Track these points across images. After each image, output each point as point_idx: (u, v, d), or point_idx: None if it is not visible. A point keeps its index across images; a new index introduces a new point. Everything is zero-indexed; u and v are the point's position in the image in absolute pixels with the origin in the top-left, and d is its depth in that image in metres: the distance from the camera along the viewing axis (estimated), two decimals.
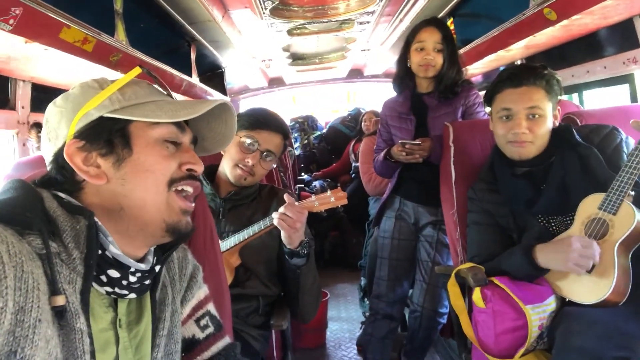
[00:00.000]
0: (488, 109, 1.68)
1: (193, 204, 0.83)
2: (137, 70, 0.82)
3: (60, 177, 0.77)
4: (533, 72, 1.53)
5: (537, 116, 1.50)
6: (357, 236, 4.28)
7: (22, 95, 1.96)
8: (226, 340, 0.99)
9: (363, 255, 3.53)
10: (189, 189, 0.81)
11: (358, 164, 3.62)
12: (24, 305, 0.59)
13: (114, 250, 0.74)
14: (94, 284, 0.73)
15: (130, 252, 0.78)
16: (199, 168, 0.83)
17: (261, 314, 1.64)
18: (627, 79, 2.19)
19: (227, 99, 4.57)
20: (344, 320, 3.51)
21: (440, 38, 2.02)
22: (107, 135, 0.76)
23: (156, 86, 0.86)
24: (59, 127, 0.77)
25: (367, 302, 3.09)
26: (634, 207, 1.33)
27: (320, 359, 2.96)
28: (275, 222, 1.45)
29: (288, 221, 1.43)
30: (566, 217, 1.50)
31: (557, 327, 1.33)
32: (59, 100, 0.81)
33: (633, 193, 1.35)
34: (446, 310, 2.22)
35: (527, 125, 1.50)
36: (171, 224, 0.78)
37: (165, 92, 0.86)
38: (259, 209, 1.68)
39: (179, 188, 0.80)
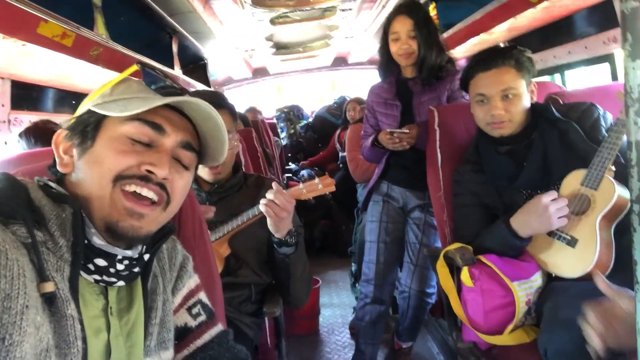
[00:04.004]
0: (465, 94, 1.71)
1: (148, 208, 0.76)
2: (133, 68, 0.83)
3: (53, 162, 0.80)
4: (500, 53, 1.57)
5: (511, 96, 1.53)
6: (346, 223, 4.31)
7: (2, 93, 1.92)
8: (219, 327, 0.99)
9: (353, 242, 3.56)
10: (144, 192, 0.75)
11: (345, 154, 3.62)
12: (10, 293, 0.60)
13: (97, 241, 0.74)
14: (82, 272, 0.73)
15: (115, 242, 0.77)
16: (160, 172, 0.76)
17: (254, 301, 1.65)
18: (607, 58, 2.21)
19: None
20: (337, 306, 3.55)
21: (412, 25, 2.01)
22: (83, 126, 0.78)
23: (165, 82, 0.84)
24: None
25: (358, 287, 3.12)
26: (614, 181, 1.36)
27: (314, 345, 2.98)
28: (261, 208, 1.45)
29: (275, 208, 1.43)
30: (549, 191, 1.53)
31: (544, 302, 1.37)
32: None
33: (614, 168, 1.38)
34: (434, 290, 2.25)
35: (503, 106, 1.53)
36: (109, 222, 0.74)
37: (164, 89, 0.83)
38: (246, 198, 1.68)
39: (129, 189, 0.74)
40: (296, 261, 1.58)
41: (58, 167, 0.79)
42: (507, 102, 1.53)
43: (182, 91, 0.84)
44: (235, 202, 1.67)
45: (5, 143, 1.95)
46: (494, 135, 1.59)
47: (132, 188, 0.75)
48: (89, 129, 0.78)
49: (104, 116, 0.77)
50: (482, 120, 1.60)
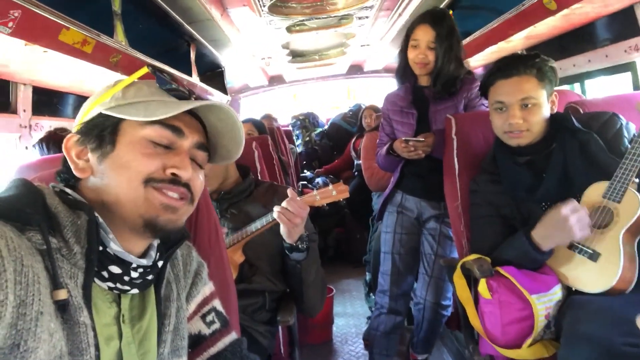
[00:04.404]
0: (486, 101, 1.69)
1: (181, 203, 0.80)
2: (143, 70, 0.83)
3: (64, 167, 0.81)
4: (523, 61, 1.53)
5: (530, 105, 1.50)
6: (361, 232, 4.27)
7: (23, 99, 1.96)
8: (232, 335, 0.99)
9: (367, 251, 3.53)
10: (172, 194, 0.78)
11: (360, 162, 3.61)
12: (25, 299, 0.60)
13: (114, 247, 0.74)
14: (96, 279, 0.73)
15: (130, 248, 0.78)
16: (185, 174, 0.79)
17: (268, 310, 1.64)
18: (629, 67, 2.17)
19: (226, 97, 4.57)
20: (350, 315, 3.52)
21: (433, 36, 1.99)
22: (98, 131, 0.78)
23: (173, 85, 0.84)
24: (76, 121, 0.84)
25: (373, 297, 3.09)
26: (638, 194, 1.33)
27: (328, 355, 2.96)
28: (275, 215, 1.46)
29: (288, 215, 1.44)
30: (568, 200, 1.49)
31: (564, 316, 1.33)
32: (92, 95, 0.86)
33: (637, 180, 1.35)
34: (449, 302, 2.22)
35: (521, 115, 1.50)
36: (148, 219, 0.76)
37: (172, 92, 0.83)
38: (258, 205, 1.68)
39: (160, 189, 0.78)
40: (308, 267, 1.58)
41: (75, 173, 0.78)
42: (526, 111, 1.50)
43: (189, 93, 0.86)
44: (245, 209, 1.68)
45: (26, 148, 1.98)
46: (511, 144, 1.56)
47: (162, 190, 0.78)
48: (105, 132, 0.78)
49: (120, 120, 0.78)
50: (499, 129, 1.58)
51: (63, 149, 0.80)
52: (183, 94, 0.84)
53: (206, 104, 0.82)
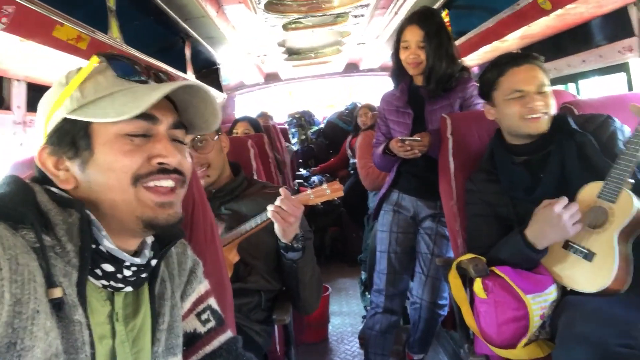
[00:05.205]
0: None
1: (174, 195, 0.78)
2: (94, 61, 0.77)
3: (41, 178, 0.77)
4: (527, 54, 1.58)
5: (544, 92, 1.52)
6: (356, 231, 4.27)
7: (17, 95, 1.94)
8: (228, 334, 0.99)
9: (363, 250, 3.53)
10: (164, 184, 0.76)
11: (355, 160, 3.61)
12: (20, 297, 0.60)
13: (108, 244, 0.73)
14: (89, 277, 0.73)
15: (123, 246, 0.77)
16: (171, 160, 0.76)
17: (263, 308, 1.64)
18: (623, 67, 2.18)
19: (222, 94, 4.56)
20: (346, 314, 3.52)
21: (422, 36, 2.00)
22: (70, 138, 0.74)
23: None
24: (39, 129, 0.78)
25: (368, 296, 3.09)
26: (633, 195, 1.33)
27: (324, 354, 2.96)
28: (269, 214, 1.45)
29: (282, 214, 1.43)
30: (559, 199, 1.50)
31: (559, 316, 1.34)
32: (44, 96, 0.80)
33: (632, 181, 1.35)
34: (446, 302, 2.22)
35: (540, 99, 1.52)
36: (146, 220, 0.75)
37: (131, 78, 0.79)
38: (251, 204, 1.67)
39: (150, 185, 0.75)
40: (304, 266, 1.58)
41: (60, 185, 0.75)
42: (543, 94, 1.52)
43: (148, 72, 0.81)
44: (235, 207, 1.67)
45: (21, 144, 1.96)
46: (530, 131, 1.54)
47: (153, 184, 0.75)
48: (77, 138, 0.74)
49: (89, 121, 0.74)
50: (516, 115, 1.54)
51: (38, 164, 0.76)
52: (143, 79, 0.80)
53: (173, 87, 0.75)
